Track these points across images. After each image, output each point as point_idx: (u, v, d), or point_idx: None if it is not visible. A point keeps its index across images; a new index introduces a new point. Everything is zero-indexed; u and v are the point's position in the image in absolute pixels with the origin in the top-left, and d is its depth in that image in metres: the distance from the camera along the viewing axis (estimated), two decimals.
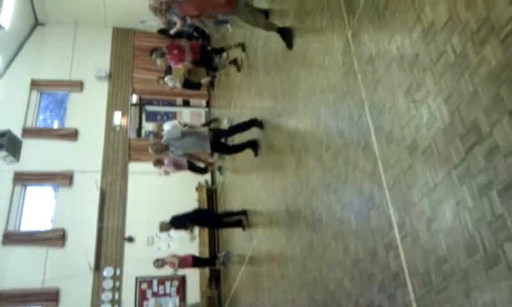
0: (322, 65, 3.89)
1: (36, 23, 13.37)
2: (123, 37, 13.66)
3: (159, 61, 8.73)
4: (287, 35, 4.86)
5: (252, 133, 6.63)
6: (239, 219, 7.51)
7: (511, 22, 1.83)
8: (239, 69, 7.98)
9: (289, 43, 4.85)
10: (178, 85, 10.12)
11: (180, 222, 7.69)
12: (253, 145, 6.62)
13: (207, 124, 9.34)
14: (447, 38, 2.21)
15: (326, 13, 3.79)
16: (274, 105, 5.61)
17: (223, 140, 7.25)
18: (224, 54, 8.79)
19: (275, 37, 5.22)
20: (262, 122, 6.24)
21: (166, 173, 10.03)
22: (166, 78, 9.93)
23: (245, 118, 6.83)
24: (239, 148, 6.98)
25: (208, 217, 8.49)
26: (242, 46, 7.57)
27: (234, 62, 8.15)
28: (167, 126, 6.68)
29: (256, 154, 6.58)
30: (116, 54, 13.46)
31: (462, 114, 2.13)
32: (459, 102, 2.15)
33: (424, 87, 2.42)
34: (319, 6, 3.94)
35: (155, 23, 10.47)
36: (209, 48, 9.43)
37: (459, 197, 2.16)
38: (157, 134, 7.06)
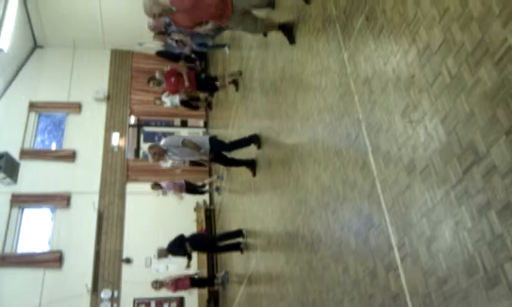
0: (319, 86, 3.92)
1: (35, 46, 13.49)
2: (121, 59, 13.78)
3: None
4: (288, 30, 4.75)
5: (250, 153, 6.65)
6: (238, 243, 7.47)
7: (505, 44, 1.85)
8: (237, 88, 8.02)
9: (291, 39, 4.74)
10: (177, 102, 10.13)
11: (177, 248, 7.62)
12: (251, 165, 6.62)
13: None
14: (442, 59, 2.24)
15: (322, 35, 3.83)
16: (271, 125, 5.64)
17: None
18: (218, 82, 8.87)
19: (272, 58, 5.28)
20: (260, 138, 6.25)
21: (164, 193, 10.00)
22: (163, 97, 9.95)
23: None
24: (237, 162, 6.97)
25: (205, 243, 8.38)
26: (235, 82, 7.71)
27: (234, 81, 8.21)
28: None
29: (254, 174, 6.58)
30: (114, 75, 13.56)
31: (459, 135, 2.15)
32: (455, 123, 2.17)
33: (420, 108, 2.44)
34: (315, 29, 3.99)
35: (153, 45, 10.56)
36: (203, 75, 9.52)
37: (458, 217, 2.16)
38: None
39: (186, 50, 9.35)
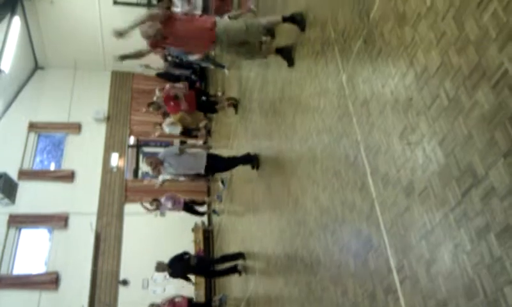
0: (318, 107, 3.94)
1: (36, 67, 13.61)
2: (122, 80, 13.89)
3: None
4: (286, 53, 4.78)
5: (249, 173, 6.65)
6: (235, 265, 7.40)
7: (502, 67, 1.87)
8: (236, 111, 8.08)
9: (290, 61, 4.75)
10: (177, 132, 10.16)
11: (178, 270, 7.54)
12: (250, 160, 6.50)
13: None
14: (439, 82, 2.26)
15: (320, 58, 3.87)
16: (270, 146, 5.65)
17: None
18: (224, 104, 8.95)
19: (272, 79, 5.33)
20: (258, 159, 6.25)
21: (162, 214, 9.95)
22: (164, 125, 9.93)
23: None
24: (236, 163, 6.91)
25: (203, 267, 8.28)
26: (235, 105, 7.77)
27: (233, 104, 8.27)
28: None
29: (253, 167, 6.45)
30: (114, 96, 13.66)
31: (457, 157, 2.15)
32: (453, 145, 2.17)
33: (418, 130, 2.45)
34: (314, 51, 4.03)
35: (153, 66, 10.67)
36: (204, 98, 9.59)
37: (457, 240, 2.15)
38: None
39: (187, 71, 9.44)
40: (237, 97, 7.88)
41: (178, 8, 7.08)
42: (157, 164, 6.52)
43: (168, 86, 8.64)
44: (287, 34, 4.87)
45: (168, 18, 4.45)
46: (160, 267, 7.59)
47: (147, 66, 10.67)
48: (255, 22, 4.52)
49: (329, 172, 3.69)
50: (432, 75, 2.31)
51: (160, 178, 8.85)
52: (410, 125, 2.54)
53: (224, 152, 8.61)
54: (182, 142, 11.10)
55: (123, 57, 4.55)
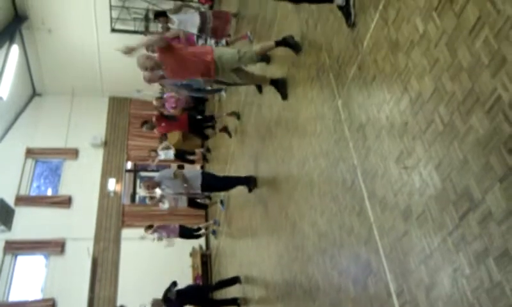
0: (314, 132, 3.97)
1: (34, 93, 13.68)
2: (119, 106, 13.96)
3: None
4: (280, 86, 4.85)
5: (247, 197, 6.64)
6: (235, 298, 7.32)
7: (495, 93, 1.90)
8: (230, 135, 8.12)
9: (283, 94, 4.83)
10: (171, 156, 10.18)
11: (174, 304, 7.43)
12: (248, 182, 6.46)
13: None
14: (434, 107, 2.29)
15: (316, 83, 3.92)
16: (267, 170, 5.66)
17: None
18: (216, 130, 9.02)
19: (268, 104, 5.37)
20: (256, 180, 6.26)
21: (160, 238, 9.87)
22: (159, 150, 9.95)
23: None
24: (233, 183, 6.87)
25: (199, 295, 8.14)
26: (237, 115, 7.78)
27: (225, 129, 8.31)
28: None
29: (250, 190, 6.43)
30: (112, 122, 13.70)
31: (454, 181, 2.17)
32: (450, 169, 2.19)
33: (414, 154, 2.47)
34: (309, 77, 4.08)
35: (150, 92, 10.74)
36: (199, 117, 9.66)
37: (456, 264, 2.15)
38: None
39: (182, 97, 9.49)
40: (236, 110, 7.88)
41: (174, 25, 7.16)
42: (154, 185, 6.59)
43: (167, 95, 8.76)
44: (283, 59, 4.93)
45: (168, 49, 4.49)
46: (156, 304, 7.41)
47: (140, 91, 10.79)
48: (247, 49, 4.57)
49: (327, 196, 3.69)
50: (427, 100, 2.34)
51: (161, 206, 8.86)
52: (406, 149, 2.56)
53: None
54: (180, 167, 11.11)
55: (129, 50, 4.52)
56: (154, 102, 9.09)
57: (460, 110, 2.11)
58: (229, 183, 6.90)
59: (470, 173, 2.06)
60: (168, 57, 4.50)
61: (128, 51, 4.27)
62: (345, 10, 3.17)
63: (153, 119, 8.93)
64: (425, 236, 2.39)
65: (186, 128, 8.86)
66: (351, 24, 3.16)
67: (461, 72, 2.09)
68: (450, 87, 2.16)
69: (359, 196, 3.13)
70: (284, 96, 4.83)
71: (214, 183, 6.88)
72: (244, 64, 4.70)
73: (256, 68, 5.47)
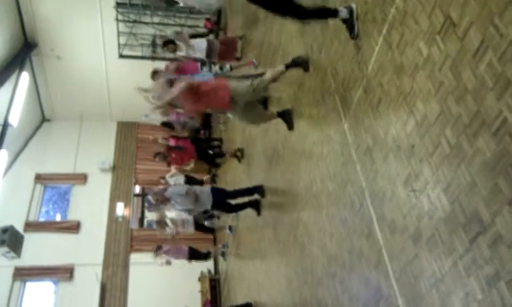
0: (321, 155, 3.97)
1: (43, 119, 13.85)
2: (127, 130, 14.08)
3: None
4: (287, 117, 4.95)
5: (255, 219, 6.61)
6: None
7: (501, 116, 1.90)
8: (239, 160, 8.17)
9: (290, 125, 4.91)
10: (181, 182, 10.21)
11: None
12: (256, 205, 6.54)
13: None
14: (440, 130, 2.29)
15: (322, 107, 3.94)
16: (275, 193, 5.66)
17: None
18: (226, 156, 9.10)
19: (274, 127, 5.39)
20: (264, 190, 6.26)
21: (168, 263, 9.82)
22: (168, 177, 9.99)
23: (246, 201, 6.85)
24: (241, 206, 6.92)
25: None
26: (237, 155, 7.89)
27: (235, 155, 8.36)
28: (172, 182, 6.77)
29: (259, 213, 6.49)
30: (120, 146, 13.81)
31: (462, 204, 2.16)
32: (458, 192, 2.18)
33: (422, 177, 2.46)
34: (315, 100, 4.11)
35: (158, 116, 10.83)
36: (207, 148, 9.76)
37: (467, 288, 2.12)
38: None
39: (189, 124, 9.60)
40: (241, 147, 7.99)
41: (182, 52, 7.27)
42: (164, 200, 6.58)
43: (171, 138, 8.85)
44: (289, 81, 4.97)
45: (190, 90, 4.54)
46: None
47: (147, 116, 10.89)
48: (259, 81, 4.62)
49: (335, 219, 3.67)
50: (433, 123, 2.35)
51: (167, 230, 8.86)
52: (414, 171, 2.55)
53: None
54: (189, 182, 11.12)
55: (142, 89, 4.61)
56: (160, 141, 9.17)
57: (466, 133, 2.11)
58: (238, 194, 6.90)
59: (479, 195, 2.04)
60: (187, 95, 4.54)
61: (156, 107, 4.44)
62: (349, 23, 3.24)
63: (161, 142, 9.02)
64: (436, 259, 2.36)
65: (195, 156, 8.95)
66: (355, 37, 3.22)
67: (466, 95, 2.10)
68: (456, 110, 2.17)
69: (368, 218, 3.12)
70: (290, 127, 4.92)
71: (224, 197, 6.91)
72: (258, 96, 4.76)
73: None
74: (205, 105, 4.70)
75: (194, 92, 4.50)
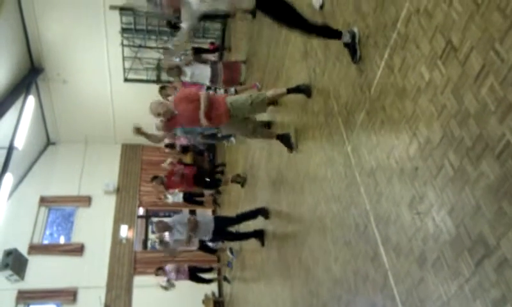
0: (325, 177, 3.98)
1: (48, 142, 13.95)
2: (131, 152, 14.14)
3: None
4: (286, 140, 5.01)
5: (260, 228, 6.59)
6: None
7: (503, 139, 1.92)
8: (242, 185, 8.17)
9: (290, 148, 4.98)
10: (180, 199, 10.25)
11: None
12: (260, 235, 6.53)
13: None
14: (443, 153, 2.30)
15: (325, 129, 3.97)
16: (279, 215, 5.64)
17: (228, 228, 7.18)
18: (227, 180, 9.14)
19: (277, 150, 5.41)
20: (268, 211, 6.24)
21: (171, 285, 9.76)
22: (167, 193, 10.05)
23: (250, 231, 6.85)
24: (244, 236, 6.88)
25: None
26: (239, 182, 7.92)
27: (236, 180, 8.35)
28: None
29: (263, 244, 6.46)
30: (124, 168, 13.86)
31: (467, 227, 2.15)
32: (463, 215, 2.18)
33: (426, 200, 2.47)
34: (318, 123, 4.14)
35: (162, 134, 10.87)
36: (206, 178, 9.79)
37: None
38: None
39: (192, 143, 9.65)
40: (244, 172, 8.03)
41: (187, 77, 7.34)
42: (166, 228, 6.60)
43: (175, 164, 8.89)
44: (292, 105, 5.01)
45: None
46: None
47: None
48: (259, 95, 4.68)
49: (340, 241, 3.66)
50: (436, 146, 2.36)
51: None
52: (418, 194, 2.55)
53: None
54: (192, 212, 11.11)
55: (138, 130, 4.68)
56: (166, 166, 9.19)
57: (470, 156, 2.12)
58: (242, 218, 6.88)
59: (483, 218, 2.04)
60: (183, 105, 4.61)
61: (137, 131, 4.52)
62: (351, 47, 3.28)
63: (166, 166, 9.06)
64: (442, 283, 2.35)
65: (191, 185, 8.95)
66: (357, 61, 3.26)
67: (469, 118, 2.12)
68: (459, 133, 2.18)
69: (372, 241, 3.11)
70: (290, 150, 4.97)
71: (227, 223, 6.89)
72: (256, 110, 4.79)
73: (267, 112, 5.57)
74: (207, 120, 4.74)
75: (194, 104, 4.58)
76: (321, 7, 4.05)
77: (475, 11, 2.04)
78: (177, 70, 7.39)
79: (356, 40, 3.24)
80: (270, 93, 4.73)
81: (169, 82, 11.19)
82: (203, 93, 4.67)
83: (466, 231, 2.16)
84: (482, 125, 2.04)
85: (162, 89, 7.26)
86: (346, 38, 3.30)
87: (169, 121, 4.71)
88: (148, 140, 4.97)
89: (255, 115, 5.07)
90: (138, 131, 4.68)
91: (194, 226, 6.46)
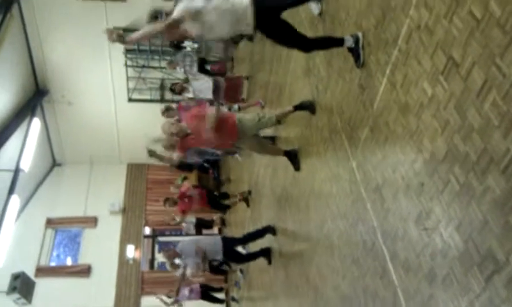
0: (331, 193, 3.97)
1: (54, 164, 14.01)
2: (137, 172, 14.16)
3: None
4: (293, 157, 4.99)
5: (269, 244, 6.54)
6: None
7: (508, 154, 1.91)
8: (248, 205, 8.17)
9: (296, 166, 4.97)
10: (191, 228, 10.27)
11: None
12: (267, 253, 6.50)
13: None
14: (449, 168, 2.29)
15: (329, 145, 3.97)
16: (285, 232, 5.62)
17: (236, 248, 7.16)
18: (230, 200, 9.15)
19: (283, 166, 5.41)
20: (275, 228, 6.21)
21: (180, 305, 9.68)
22: (178, 218, 10.02)
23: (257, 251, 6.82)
24: (253, 256, 6.85)
25: None
26: (246, 199, 7.94)
27: (244, 199, 8.37)
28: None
29: (270, 262, 6.44)
30: (130, 188, 13.87)
31: (475, 242, 2.14)
32: (470, 230, 2.16)
33: (433, 215, 2.45)
34: (322, 139, 4.14)
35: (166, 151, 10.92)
36: (215, 193, 9.83)
37: None
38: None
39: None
40: (249, 189, 8.03)
41: (190, 94, 7.39)
42: (175, 256, 6.58)
43: (185, 183, 8.90)
44: (294, 128, 5.03)
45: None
46: None
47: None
48: (266, 114, 4.70)
49: (348, 259, 3.64)
50: (441, 161, 2.35)
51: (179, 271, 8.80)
52: (425, 209, 2.54)
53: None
54: (198, 231, 11.08)
55: (151, 153, 4.70)
56: (174, 190, 9.20)
57: (475, 171, 2.11)
58: (249, 238, 6.86)
59: (491, 233, 2.03)
60: (196, 122, 4.60)
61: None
62: (355, 51, 3.29)
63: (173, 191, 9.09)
64: (452, 299, 2.32)
65: (205, 204, 8.99)
66: (360, 65, 3.27)
67: (473, 133, 2.11)
68: (463, 148, 2.18)
69: (381, 258, 3.08)
70: (297, 168, 4.97)
71: (235, 243, 6.88)
72: (263, 127, 4.81)
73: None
74: (217, 137, 4.72)
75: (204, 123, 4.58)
76: (320, 14, 4.08)
77: (476, 28, 2.06)
78: (180, 87, 7.44)
79: (360, 45, 3.25)
80: (278, 111, 4.77)
81: (172, 100, 11.28)
82: (211, 110, 4.67)
83: (475, 246, 2.14)
84: (487, 139, 2.03)
85: (166, 110, 7.29)
86: (349, 42, 3.31)
87: (183, 141, 4.71)
88: (162, 162, 4.96)
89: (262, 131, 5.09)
90: (153, 154, 4.70)
91: (203, 256, 6.45)
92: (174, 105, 8.00)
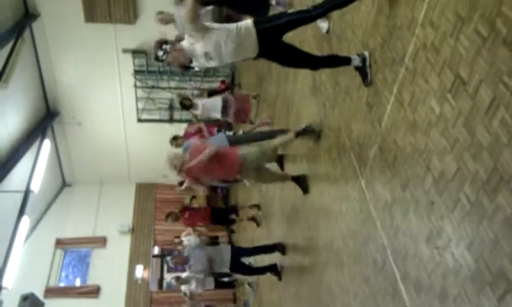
0: (340, 212, 3.96)
1: (64, 184, 14.11)
2: (146, 191, 14.22)
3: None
4: (301, 182, 5.05)
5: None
6: None
7: None
8: (258, 225, 8.15)
9: (305, 189, 5.02)
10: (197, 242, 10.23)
11: None
12: (274, 269, 6.46)
13: None
14: (459, 187, 2.28)
15: (338, 164, 3.97)
16: (296, 251, 5.59)
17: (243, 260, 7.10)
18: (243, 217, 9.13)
19: (291, 185, 5.41)
20: (284, 246, 6.17)
21: None
22: (183, 236, 9.97)
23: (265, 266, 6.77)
24: (260, 270, 6.80)
25: None
26: (255, 218, 7.93)
27: (253, 218, 8.34)
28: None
29: (280, 278, 6.39)
30: (139, 208, 13.90)
31: (487, 261, 2.11)
32: (482, 249, 2.14)
33: (444, 234, 2.43)
34: (331, 158, 4.14)
35: (176, 177, 10.95)
36: (224, 206, 9.81)
37: None
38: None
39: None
40: (258, 203, 8.03)
41: (198, 111, 7.41)
42: (183, 262, 6.57)
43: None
44: (302, 146, 5.04)
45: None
46: None
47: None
48: (267, 146, 4.74)
49: (359, 277, 3.60)
50: (451, 179, 2.34)
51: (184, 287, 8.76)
52: (435, 228, 2.52)
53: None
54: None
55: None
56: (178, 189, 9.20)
57: (485, 189, 2.10)
58: (258, 251, 6.83)
59: (503, 252, 2.00)
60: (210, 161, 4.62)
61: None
62: (362, 71, 3.30)
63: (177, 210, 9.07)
64: None
65: (208, 221, 8.95)
66: (368, 84, 3.28)
67: (482, 151, 2.11)
68: (473, 166, 2.17)
69: (391, 277, 3.05)
70: (305, 191, 5.00)
71: (243, 253, 6.86)
72: (266, 159, 4.86)
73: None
74: (217, 171, 4.74)
75: (216, 159, 4.59)
76: (327, 31, 4.12)
77: (482, 46, 2.07)
78: (189, 102, 7.47)
79: (367, 64, 3.26)
80: (278, 140, 4.81)
81: (181, 120, 11.36)
82: (210, 147, 4.65)
83: (487, 265, 2.11)
84: (496, 157, 2.02)
85: (173, 139, 7.30)
86: (356, 61, 3.32)
87: (188, 173, 4.72)
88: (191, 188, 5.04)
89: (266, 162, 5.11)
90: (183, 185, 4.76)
91: (209, 264, 6.41)
92: (183, 129, 8.04)
